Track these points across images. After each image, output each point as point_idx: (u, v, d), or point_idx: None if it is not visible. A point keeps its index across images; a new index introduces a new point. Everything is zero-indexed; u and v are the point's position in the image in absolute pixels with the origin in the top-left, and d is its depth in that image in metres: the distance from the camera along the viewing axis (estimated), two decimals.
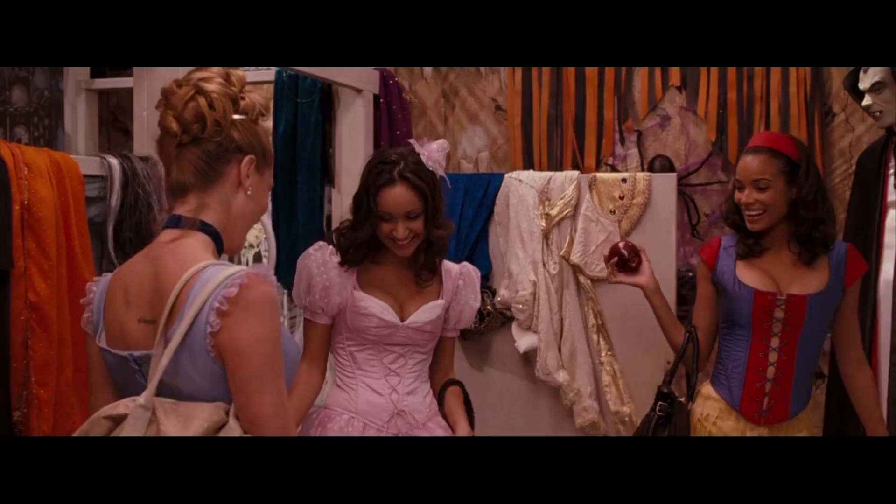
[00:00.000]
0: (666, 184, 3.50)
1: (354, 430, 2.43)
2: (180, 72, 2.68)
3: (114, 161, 2.43)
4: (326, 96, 3.85)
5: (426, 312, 2.51)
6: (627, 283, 2.93)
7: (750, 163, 2.69)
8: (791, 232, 2.71)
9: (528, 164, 3.98)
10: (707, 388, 2.81)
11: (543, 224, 3.55)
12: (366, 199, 2.43)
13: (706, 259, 2.82)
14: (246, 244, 4.12)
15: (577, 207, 3.53)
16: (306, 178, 3.81)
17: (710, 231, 3.84)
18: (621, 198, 3.51)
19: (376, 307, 2.46)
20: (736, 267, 2.74)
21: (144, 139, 2.72)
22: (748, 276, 2.72)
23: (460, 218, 3.65)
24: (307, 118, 3.82)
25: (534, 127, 4.00)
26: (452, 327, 2.63)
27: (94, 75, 4.13)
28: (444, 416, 2.54)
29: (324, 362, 2.55)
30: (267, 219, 2.45)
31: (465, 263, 2.70)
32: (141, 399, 1.53)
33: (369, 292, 2.48)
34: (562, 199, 3.54)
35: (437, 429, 2.50)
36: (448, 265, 2.63)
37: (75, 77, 4.04)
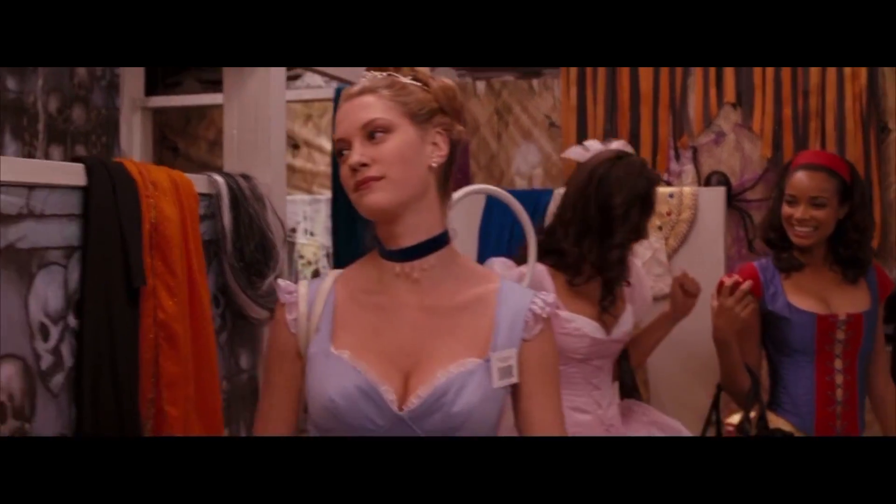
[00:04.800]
0: (713, 198, 3.43)
1: None
2: (271, 87, 2.72)
3: (219, 179, 2.44)
4: None
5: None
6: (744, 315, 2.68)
7: (808, 180, 2.69)
8: (832, 251, 2.74)
9: None
10: (771, 417, 2.72)
11: None
12: None
13: (752, 289, 2.70)
14: (304, 261, 4.12)
15: None
16: None
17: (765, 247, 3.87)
18: (668, 214, 3.49)
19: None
20: (785, 292, 2.74)
21: (234, 157, 2.73)
22: (801, 300, 2.72)
23: (511, 235, 3.65)
24: None
25: None
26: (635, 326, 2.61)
27: (148, 93, 4.14)
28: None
29: None
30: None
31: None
32: None
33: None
34: None
35: (641, 429, 2.49)
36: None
37: (130, 95, 4.05)
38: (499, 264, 2.41)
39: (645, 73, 3.98)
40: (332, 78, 3.64)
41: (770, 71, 3.83)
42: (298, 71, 4.25)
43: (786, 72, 3.82)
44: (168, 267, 2.11)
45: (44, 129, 3.57)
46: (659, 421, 2.59)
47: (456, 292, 1.61)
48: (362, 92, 1.58)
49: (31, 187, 1.83)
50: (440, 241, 1.61)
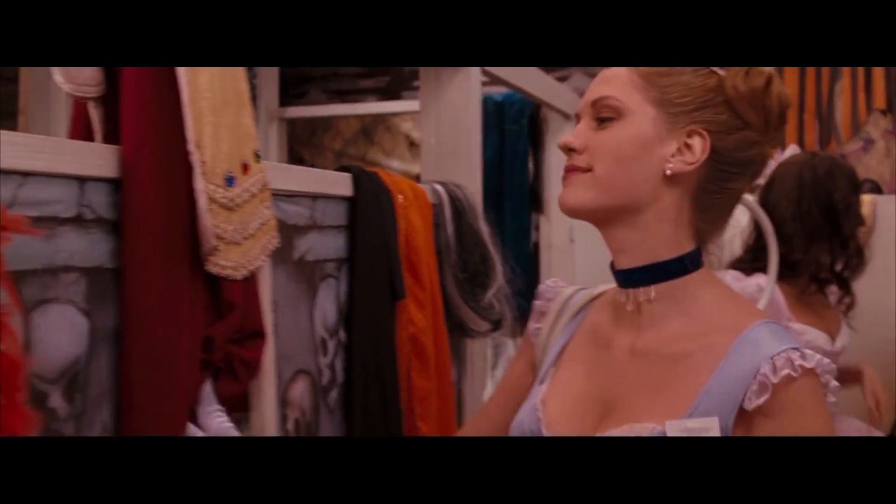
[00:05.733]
0: (889, 206, 3.38)
1: None
2: (469, 94, 2.67)
3: (440, 188, 2.38)
4: (534, 122, 3.81)
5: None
6: None
7: None
8: None
9: None
10: None
11: None
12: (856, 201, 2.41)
13: None
14: None
15: None
16: (514, 205, 3.77)
17: None
18: None
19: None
20: None
21: (431, 167, 2.68)
22: None
23: None
24: (515, 145, 3.78)
25: None
26: None
27: (282, 104, 4.10)
28: None
29: None
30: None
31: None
32: None
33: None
34: None
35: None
36: None
37: (267, 106, 4.01)
38: (728, 277, 2.34)
39: (790, 79, 3.91)
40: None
41: None
42: None
43: None
44: (417, 279, 2.06)
45: None
46: (864, 429, 2.53)
47: (681, 337, 1.23)
48: None
49: (315, 198, 1.78)
50: (667, 271, 1.24)
